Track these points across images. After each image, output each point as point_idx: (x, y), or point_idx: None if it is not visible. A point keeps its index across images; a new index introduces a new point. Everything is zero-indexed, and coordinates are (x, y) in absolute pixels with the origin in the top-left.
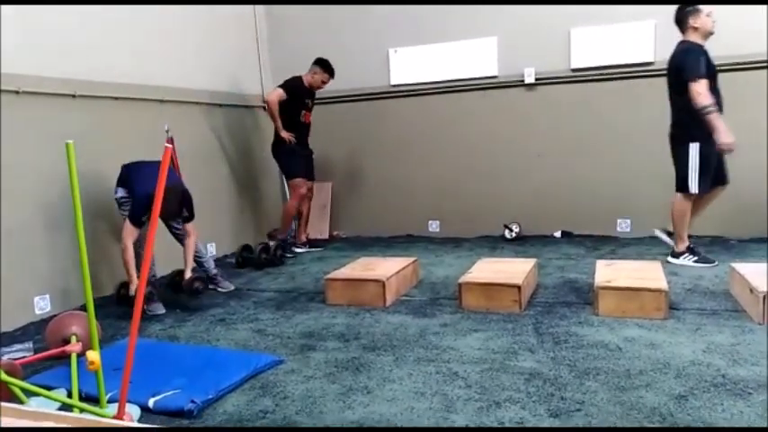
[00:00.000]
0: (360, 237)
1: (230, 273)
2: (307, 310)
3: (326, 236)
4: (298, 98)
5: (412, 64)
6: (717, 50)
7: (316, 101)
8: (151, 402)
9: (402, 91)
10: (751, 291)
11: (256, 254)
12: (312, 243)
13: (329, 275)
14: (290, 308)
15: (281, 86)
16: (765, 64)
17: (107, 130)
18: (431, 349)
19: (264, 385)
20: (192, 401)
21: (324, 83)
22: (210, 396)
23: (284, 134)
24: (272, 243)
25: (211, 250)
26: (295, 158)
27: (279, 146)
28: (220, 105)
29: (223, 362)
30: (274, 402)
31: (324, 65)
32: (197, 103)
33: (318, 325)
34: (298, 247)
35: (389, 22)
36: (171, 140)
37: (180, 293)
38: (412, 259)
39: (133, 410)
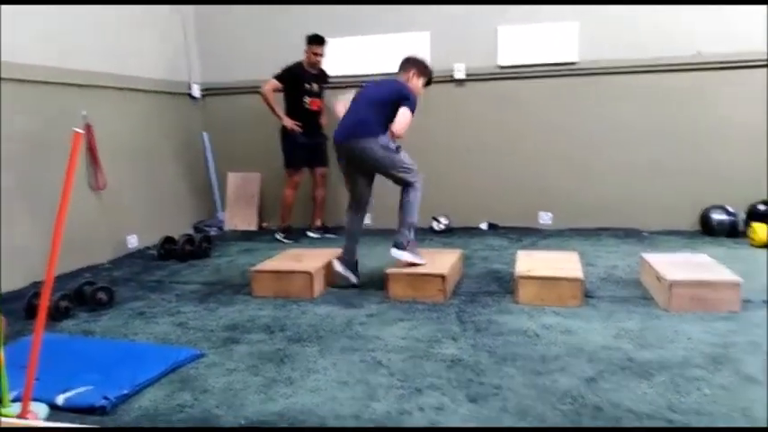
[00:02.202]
0: (290, 228)
1: (151, 265)
2: (232, 302)
3: (255, 227)
4: (296, 84)
5: (345, 55)
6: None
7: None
8: (60, 399)
9: (336, 82)
10: (658, 279)
11: (180, 245)
12: (327, 229)
13: (256, 267)
14: (215, 300)
15: (275, 76)
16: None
17: (12, 115)
18: (356, 339)
19: (184, 379)
20: (105, 398)
21: (317, 55)
22: (125, 391)
23: (287, 122)
24: (196, 234)
25: (133, 242)
26: (293, 148)
27: (282, 134)
28: (145, 91)
29: (140, 356)
30: (193, 396)
31: (308, 39)
32: (120, 88)
33: (243, 317)
34: (312, 232)
35: (324, 10)
36: (88, 127)
37: (84, 304)
38: (341, 251)
39: (39, 409)
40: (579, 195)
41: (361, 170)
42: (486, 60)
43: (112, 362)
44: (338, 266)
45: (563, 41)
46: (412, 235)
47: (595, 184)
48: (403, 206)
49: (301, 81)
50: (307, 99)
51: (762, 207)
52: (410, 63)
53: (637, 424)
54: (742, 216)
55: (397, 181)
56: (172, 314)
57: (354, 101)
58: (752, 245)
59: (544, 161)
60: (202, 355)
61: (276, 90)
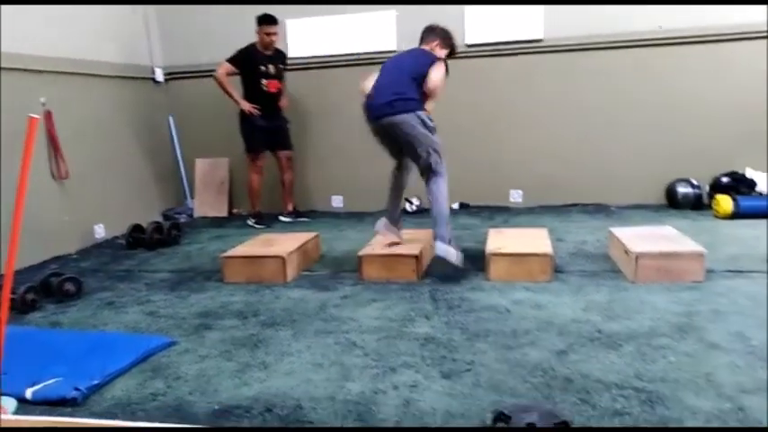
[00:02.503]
0: (261, 213)
1: (120, 255)
2: (203, 289)
3: (225, 213)
4: (251, 66)
5: (311, 36)
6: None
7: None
8: (29, 393)
9: (300, 63)
10: (626, 252)
11: (148, 234)
12: (299, 214)
13: (226, 253)
14: (186, 288)
15: (228, 59)
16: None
17: None
18: (330, 321)
19: (156, 368)
20: (76, 389)
21: (269, 35)
22: (96, 382)
23: (244, 106)
24: (165, 222)
25: (100, 231)
26: (252, 131)
27: (240, 118)
28: (106, 77)
29: (111, 346)
30: (166, 384)
31: (258, 19)
32: (80, 74)
33: (215, 304)
34: (284, 217)
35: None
36: (48, 114)
37: (51, 296)
38: (313, 234)
39: (8, 403)
40: (549, 173)
41: (396, 143)
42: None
43: (82, 352)
44: (380, 225)
45: (529, 19)
46: (447, 230)
47: (564, 160)
48: (434, 199)
49: (256, 63)
50: (264, 81)
51: (725, 179)
52: (434, 33)
53: (605, 393)
54: (706, 188)
55: (424, 163)
56: (142, 303)
57: (386, 72)
58: (716, 216)
59: (514, 139)
60: (174, 343)
61: (230, 74)
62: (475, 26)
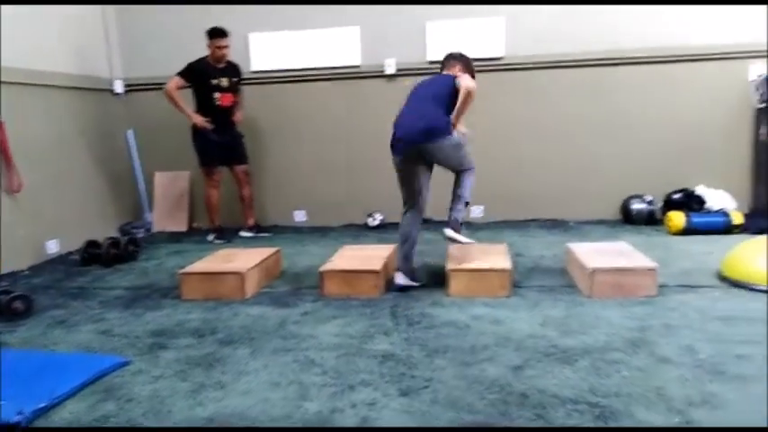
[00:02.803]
0: (222, 228)
1: (73, 271)
2: (159, 307)
3: (185, 228)
4: (203, 80)
5: (273, 50)
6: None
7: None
8: None
9: (263, 78)
10: (581, 268)
11: (104, 249)
12: (261, 228)
13: (184, 270)
14: (141, 305)
15: (178, 73)
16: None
17: None
18: (289, 339)
19: (108, 389)
20: (20, 413)
21: (220, 48)
22: (43, 404)
23: (196, 119)
24: (122, 237)
25: (53, 247)
26: (205, 146)
27: (192, 132)
28: (63, 88)
29: (60, 366)
30: (118, 406)
31: (209, 33)
32: (34, 85)
33: (171, 322)
34: (245, 232)
35: (248, 5)
36: (0, 125)
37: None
38: (274, 249)
39: None
40: (509, 188)
41: (427, 163)
42: (416, 56)
43: (29, 374)
44: (400, 280)
45: (489, 37)
46: (462, 214)
47: (524, 176)
48: (462, 184)
49: (207, 77)
50: (216, 95)
51: (677, 196)
52: (455, 59)
53: (560, 409)
54: (659, 205)
55: (458, 170)
56: (95, 321)
57: (411, 101)
58: (669, 232)
59: (474, 155)
60: (127, 363)
61: (181, 87)
62: (436, 43)
